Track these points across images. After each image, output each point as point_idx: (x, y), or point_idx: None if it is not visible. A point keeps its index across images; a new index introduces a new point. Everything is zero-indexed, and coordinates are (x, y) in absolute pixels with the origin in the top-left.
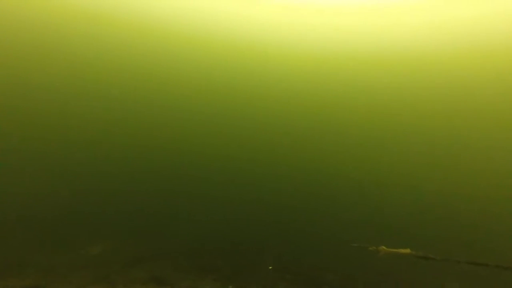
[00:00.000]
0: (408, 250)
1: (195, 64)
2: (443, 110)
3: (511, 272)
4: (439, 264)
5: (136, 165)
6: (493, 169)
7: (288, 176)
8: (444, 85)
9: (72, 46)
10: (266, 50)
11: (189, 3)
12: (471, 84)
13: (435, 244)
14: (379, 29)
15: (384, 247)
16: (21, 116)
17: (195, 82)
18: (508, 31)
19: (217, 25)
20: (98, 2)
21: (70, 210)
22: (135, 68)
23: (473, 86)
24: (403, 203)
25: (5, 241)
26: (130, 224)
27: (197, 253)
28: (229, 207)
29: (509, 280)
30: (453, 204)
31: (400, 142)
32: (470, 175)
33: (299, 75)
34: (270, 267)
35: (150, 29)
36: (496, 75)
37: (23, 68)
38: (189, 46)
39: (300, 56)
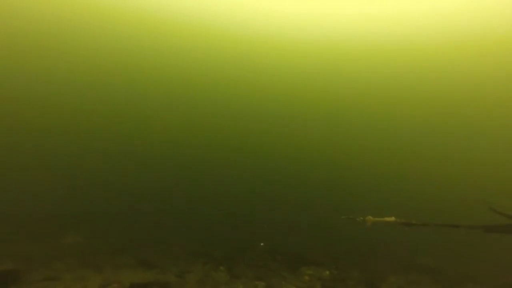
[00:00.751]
0: (393, 218)
1: (196, 57)
2: (431, 99)
3: (479, 230)
4: (420, 229)
5: (128, 158)
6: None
7: (275, 165)
8: (441, 75)
9: (72, 40)
10: (267, 41)
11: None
12: (467, 75)
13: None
14: (380, 20)
15: (370, 217)
16: (15, 111)
17: (197, 75)
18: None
19: (220, 18)
20: None
21: (59, 202)
22: (137, 62)
23: (471, 77)
24: (383, 187)
25: None
26: (119, 214)
27: (187, 240)
28: (219, 194)
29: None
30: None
31: (391, 129)
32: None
33: (300, 66)
34: (261, 244)
35: (153, 24)
36: (494, 66)
37: (21, 62)
38: (190, 40)
39: (299, 47)
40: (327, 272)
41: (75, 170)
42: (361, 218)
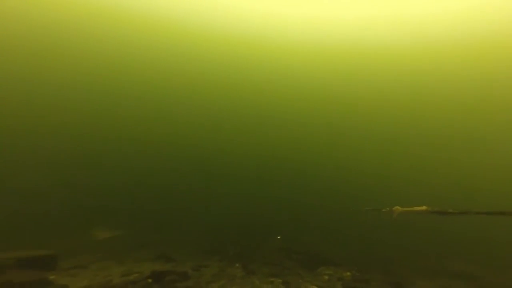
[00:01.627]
0: (424, 207)
1: (196, 59)
2: (439, 101)
3: None
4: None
5: (152, 161)
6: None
7: (292, 165)
8: (442, 77)
9: (72, 42)
10: (267, 44)
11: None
12: (466, 77)
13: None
14: (381, 23)
15: (398, 207)
16: (27, 115)
17: (198, 78)
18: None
19: (222, 21)
20: None
21: (87, 202)
22: (139, 64)
23: (470, 79)
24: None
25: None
26: (140, 213)
27: (203, 238)
28: (235, 196)
29: None
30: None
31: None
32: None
33: (301, 68)
34: (278, 237)
35: (154, 27)
36: (495, 68)
37: (22, 64)
38: (191, 42)
39: (300, 50)
40: (348, 273)
41: (102, 174)
42: (387, 208)
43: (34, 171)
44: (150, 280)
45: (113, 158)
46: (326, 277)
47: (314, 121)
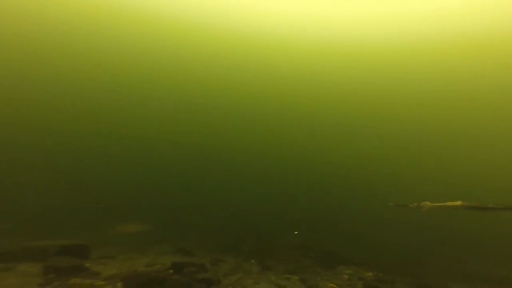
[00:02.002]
0: (459, 202)
1: (196, 58)
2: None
3: None
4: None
5: (167, 161)
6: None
7: (309, 165)
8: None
9: (73, 40)
10: (268, 42)
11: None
12: (466, 75)
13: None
14: (382, 21)
15: (427, 202)
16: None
17: (198, 76)
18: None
19: (222, 20)
20: None
21: (114, 199)
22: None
23: (469, 77)
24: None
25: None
26: (162, 211)
27: (219, 235)
28: (253, 194)
29: None
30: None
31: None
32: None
33: (302, 67)
34: (296, 232)
35: (156, 25)
36: (495, 66)
37: (23, 63)
38: (191, 40)
39: (301, 48)
40: (370, 273)
41: (128, 174)
42: (414, 204)
43: (71, 174)
44: (171, 271)
45: (139, 159)
46: (346, 276)
47: (329, 120)
